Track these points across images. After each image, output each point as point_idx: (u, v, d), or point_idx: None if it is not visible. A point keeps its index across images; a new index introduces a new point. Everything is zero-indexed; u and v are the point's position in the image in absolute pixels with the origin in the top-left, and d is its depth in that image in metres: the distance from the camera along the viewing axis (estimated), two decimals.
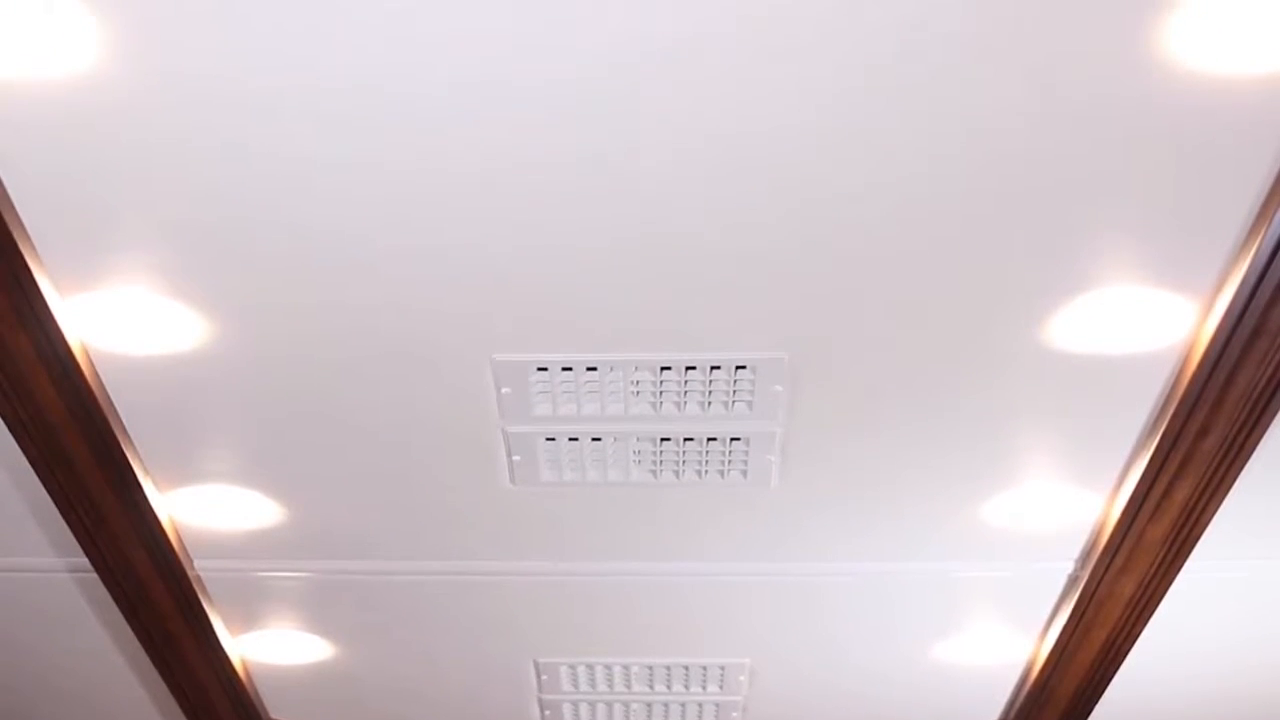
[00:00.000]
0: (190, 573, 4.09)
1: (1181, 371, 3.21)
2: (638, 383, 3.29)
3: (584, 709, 5.02)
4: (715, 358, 3.22)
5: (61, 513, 3.67)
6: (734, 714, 5.00)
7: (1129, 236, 2.83)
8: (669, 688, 4.87)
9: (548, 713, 5.03)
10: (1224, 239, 2.82)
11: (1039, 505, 3.74)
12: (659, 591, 4.26)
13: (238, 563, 4.10)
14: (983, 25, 2.36)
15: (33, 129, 2.57)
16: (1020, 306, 3.02)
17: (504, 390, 3.30)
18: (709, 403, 3.35)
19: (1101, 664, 4.37)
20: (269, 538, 3.95)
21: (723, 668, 4.74)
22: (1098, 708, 4.64)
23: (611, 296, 3.01)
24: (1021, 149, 2.61)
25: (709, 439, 3.50)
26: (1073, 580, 4.10)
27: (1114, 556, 3.85)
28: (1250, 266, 2.85)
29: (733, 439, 3.49)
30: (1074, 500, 3.72)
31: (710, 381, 3.28)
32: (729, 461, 3.57)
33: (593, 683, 4.84)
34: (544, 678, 4.80)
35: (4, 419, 3.30)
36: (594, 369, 3.25)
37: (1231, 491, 3.52)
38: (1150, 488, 3.55)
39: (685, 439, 3.50)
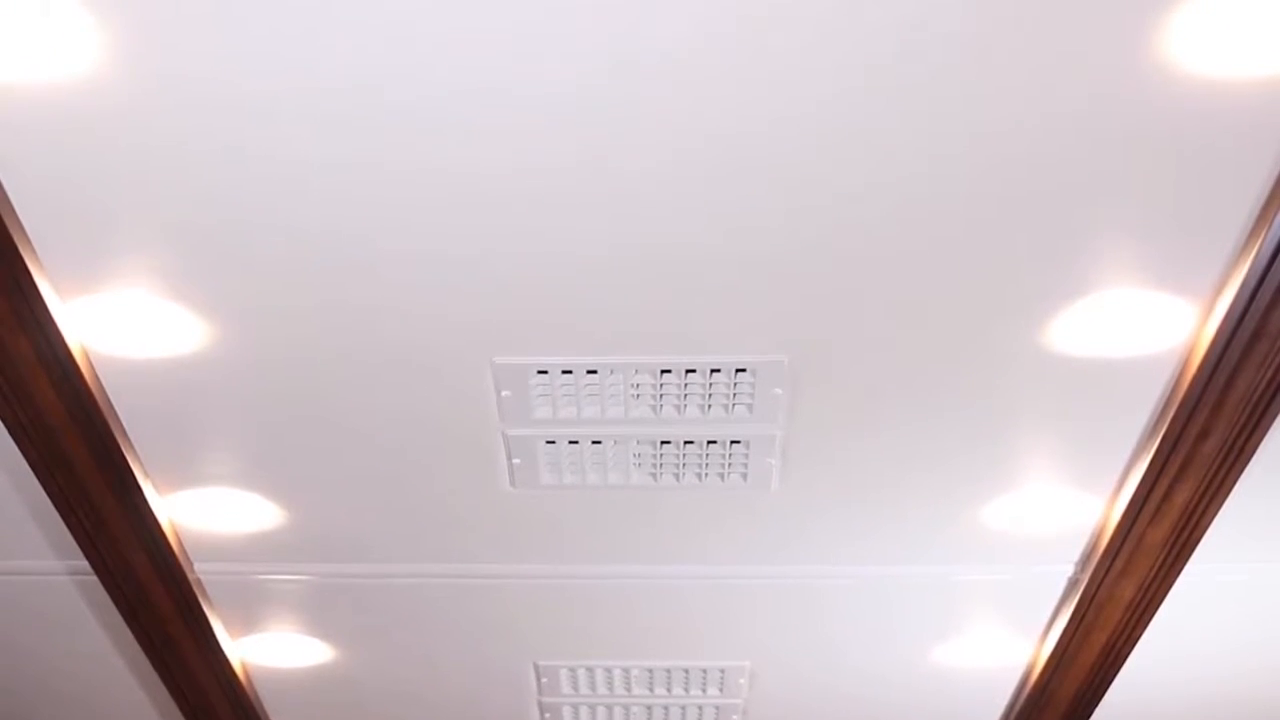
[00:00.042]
0: (190, 576, 4.09)
1: (1182, 374, 3.21)
2: (638, 386, 3.29)
3: (584, 711, 5.02)
4: (715, 360, 3.22)
5: (61, 515, 3.67)
6: (734, 717, 5.00)
7: (1129, 239, 2.83)
8: (669, 690, 4.87)
9: (548, 715, 5.03)
10: (1224, 241, 2.82)
11: (1039, 508, 3.74)
12: (659, 594, 4.25)
13: (238, 566, 4.10)
14: (983, 27, 2.36)
15: (33, 132, 2.57)
16: (1020, 309, 3.02)
17: (504, 393, 3.30)
18: (709, 406, 3.35)
19: (1101, 667, 4.37)
20: (269, 541, 3.95)
21: (723, 670, 4.74)
22: (1098, 711, 4.64)
23: (611, 299, 3.01)
24: (1022, 151, 2.61)
25: (709, 442, 3.50)
26: (1073, 583, 4.10)
27: (1114, 559, 3.85)
28: (1250, 269, 2.85)
29: (733, 442, 3.49)
30: (1074, 503, 3.72)
31: (710, 384, 3.28)
32: (729, 464, 3.57)
33: (593, 685, 4.84)
34: (544, 680, 4.80)
35: (4, 422, 3.30)
36: (594, 372, 3.25)
37: (1232, 494, 3.52)
38: (1150, 490, 3.55)
39: (685, 442, 3.50)
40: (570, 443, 3.50)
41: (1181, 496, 3.54)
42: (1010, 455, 3.53)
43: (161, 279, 2.95)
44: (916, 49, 2.40)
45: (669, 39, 2.39)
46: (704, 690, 4.85)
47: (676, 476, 3.61)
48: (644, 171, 2.67)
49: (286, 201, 2.74)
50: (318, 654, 4.64)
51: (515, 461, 3.56)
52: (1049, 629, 4.37)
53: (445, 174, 2.67)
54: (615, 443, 3.50)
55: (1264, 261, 2.82)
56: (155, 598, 4.10)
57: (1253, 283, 2.87)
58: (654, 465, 3.58)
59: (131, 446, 3.51)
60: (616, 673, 4.77)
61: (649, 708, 4.98)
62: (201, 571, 4.11)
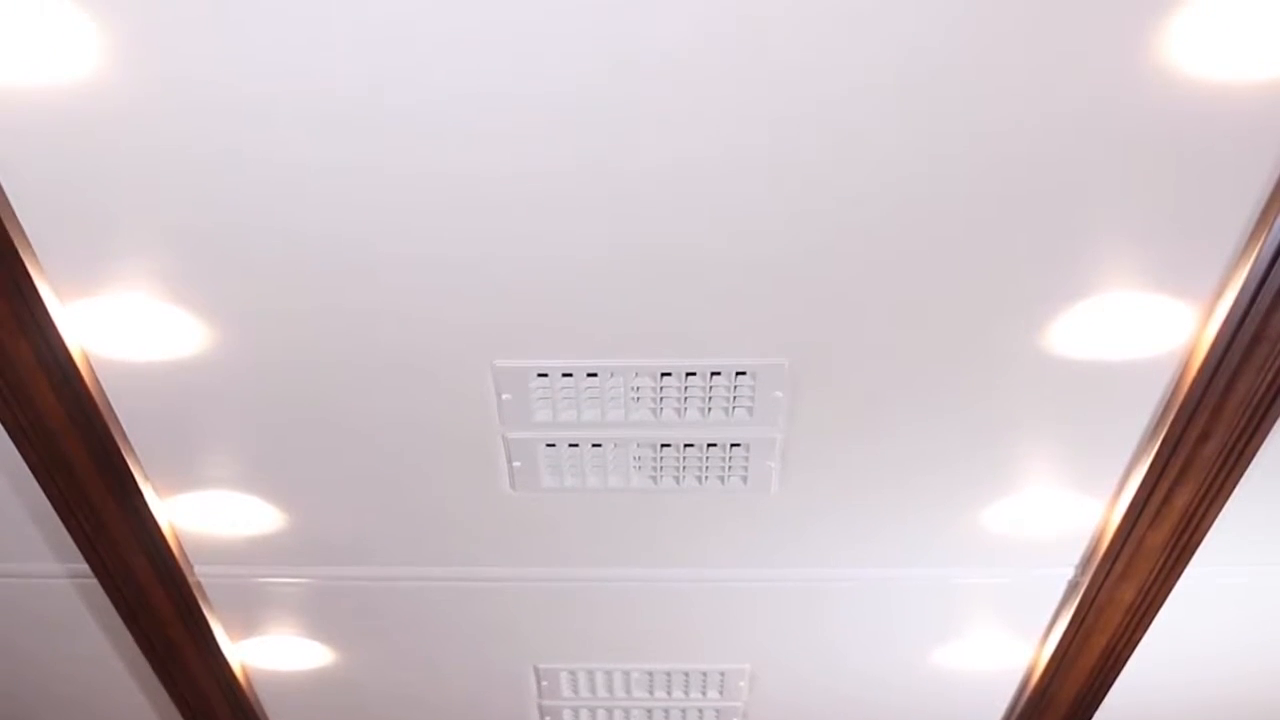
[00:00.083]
0: (190, 579, 4.09)
1: (1182, 377, 3.21)
2: (638, 389, 3.29)
3: (584, 714, 5.02)
4: (715, 363, 3.22)
5: (61, 519, 3.67)
6: (734, 719, 5.00)
7: (1129, 241, 2.83)
8: (669, 693, 4.87)
9: (548, 718, 5.03)
10: (1224, 244, 2.82)
11: (1039, 511, 3.74)
12: (659, 597, 4.25)
13: (238, 568, 4.10)
14: (984, 31, 2.36)
15: (33, 135, 2.57)
16: (1021, 312, 3.02)
17: (504, 396, 3.30)
18: (709, 409, 3.35)
19: (1102, 670, 4.37)
20: (269, 543, 3.95)
21: (723, 673, 4.74)
22: (1098, 713, 4.64)
23: (611, 302, 3.01)
24: (1022, 154, 2.61)
25: (709, 445, 3.50)
26: (1073, 586, 4.10)
27: (1114, 562, 3.85)
28: (1250, 272, 2.85)
29: (733, 445, 3.49)
30: (1074, 506, 3.72)
31: (710, 387, 3.28)
32: (729, 467, 3.57)
33: (593, 688, 4.84)
34: (544, 683, 4.80)
35: (4, 425, 3.30)
36: (594, 375, 3.25)
37: (1231, 498, 3.52)
38: (1150, 493, 3.55)
39: (685, 445, 3.50)
40: (570, 446, 3.50)
41: (1181, 499, 3.54)
42: (1010, 458, 3.53)
43: (161, 282, 2.95)
44: (917, 51, 2.40)
45: (669, 41, 2.39)
46: (704, 693, 4.85)
47: (676, 479, 3.61)
48: (644, 174, 2.67)
49: (286, 205, 2.74)
50: (318, 657, 4.64)
51: (515, 464, 3.56)
52: (1049, 632, 4.37)
53: (445, 177, 2.67)
54: (615, 446, 3.50)
55: (1264, 264, 2.82)
56: (155, 601, 4.10)
57: (1253, 286, 2.87)
58: (654, 468, 3.58)
59: (131, 449, 3.51)
60: (617, 675, 4.76)
61: (649, 710, 4.98)
62: (202, 574, 4.11)
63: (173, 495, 3.73)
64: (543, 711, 4.99)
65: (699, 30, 2.37)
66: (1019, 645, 4.49)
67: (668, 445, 3.50)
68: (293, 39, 2.38)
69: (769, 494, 3.67)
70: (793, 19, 2.34)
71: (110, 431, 3.39)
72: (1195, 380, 3.16)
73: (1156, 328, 3.05)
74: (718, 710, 4.95)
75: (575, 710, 4.99)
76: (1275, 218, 2.72)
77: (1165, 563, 3.81)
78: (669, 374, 3.25)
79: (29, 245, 2.84)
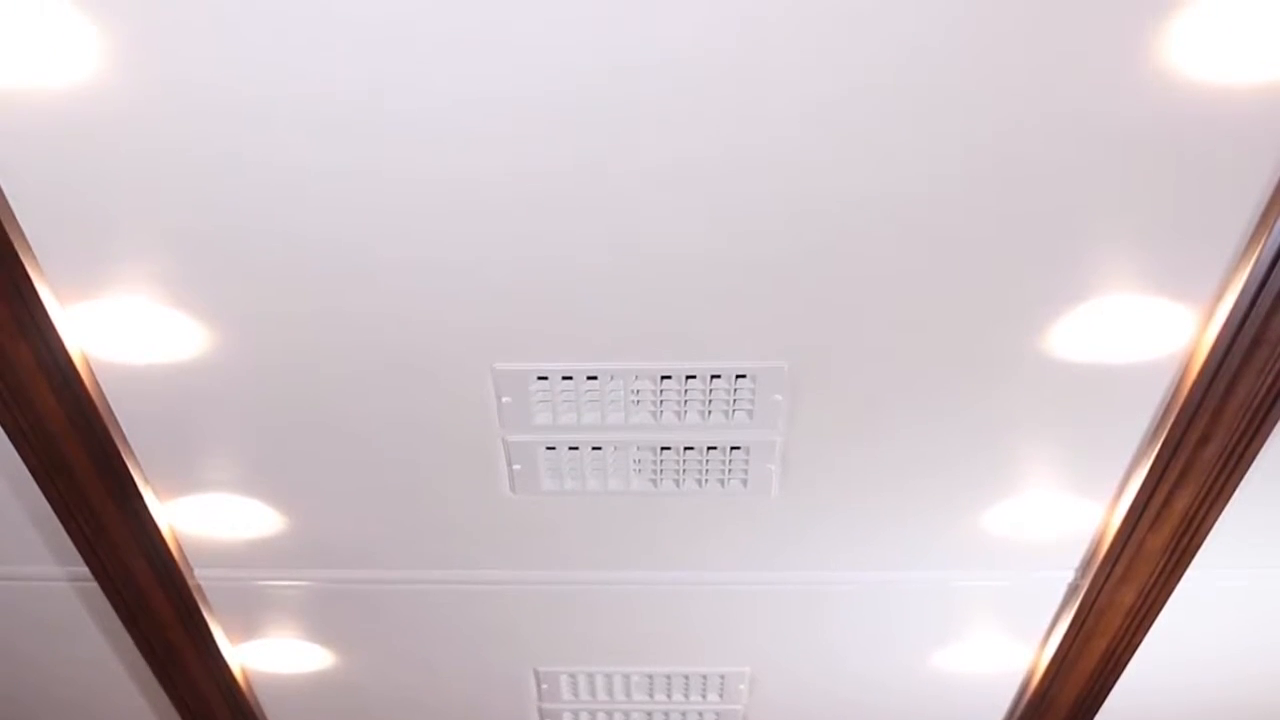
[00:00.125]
0: (190, 582, 4.09)
1: (1181, 380, 3.21)
2: (638, 392, 3.29)
3: (584, 717, 5.01)
4: (715, 367, 3.22)
5: (61, 521, 3.67)
6: None
7: (1130, 244, 2.83)
8: (669, 696, 4.87)
9: None
10: (1224, 247, 2.82)
11: (1039, 514, 3.74)
12: (659, 600, 4.25)
13: (238, 572, 4.10)
14: (983, 36, 2.36)
15: (33, 138, 2.57)
16: (1021, 315, 3.02)
17: (504, 399, 3.30)
18: (709, 412, 3.35)
19: (1102, 673, 4.37)
20: (269, 547, 3.95)
21: (723, 676, 4.74)
22: (1098, 716, 4.64)
23: (611, 305, 3.01)
24: (1022, 157, 2.61)
25: (709, 448, 3.50)
26: (1073, 589, 4.10)
27: (1114, 565, 3.85)
28: (1250, 275, 2.85)
29: (733, 448, 3.49)
30: (1074, 509, 3.72)
31: (710, 390, 3.28)
32: (729, 470, 3.57)
33: (593, 691, 4.84)
34: (544, 686, 4.80)
35: (4, 428, 3.30)
36: (594, 378, 3.25)
37: (1231, 501, 3.52)
38: (1150, 497, 3.55)
39: (685, 448, 3.50)
40: (570, 448, 3.50)
41: (1181, 502, 3.54)
42: (1010, 461, 3.53)
43: (162, 285, 2.95)
44: (916, 54, 2.40)
45: (668, 43, 2.39)
46: (704, 696, 4.85)
47: (676, 482, 3.61)
48: (643, 177, 2.67)
49: (286, 208, 2.74)
50: (318, 660, 4.64)
51: (515, 467, 3.56)
52: (1049, 635, 4.37)
53: (445, 180, 2.68)
54: (615, 448, 3.50)
55: (1264, 267, 2.82)
56: (155, 604, 4.09)
57: (1253, 289, 2.87)
58: (654, 471, 3.58)
59: (131, 452, 3.51)
60: (617, 678, 4.76)
61: (649, 713, 4.97)
62: (202, 577, 4.11)
63: (173, 498, 3.73)
64: (543, 714, 4.99)
65: (698, 33, 2.37)
66: (1019, 648, 4.49)
67: (668, 448, 3.50)
68: (293, 42, 2.38)
69: (769, 497, 3.67)
70: (792, 20, 2.34)
71: (110, 434, 3.39)
72: (1195, 383, 3.16)
73: (1157, 331, 3.05)
74: (718, 713, 4.95)
75: (575, 713, 4.98)
76: (1275, 220, 2.72)
77: (1165, 566, 3.81)
78: (669, 377, 3.25)
79: (29, 248, 2.84)
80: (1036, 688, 4.57)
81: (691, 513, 3.76)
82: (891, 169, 2.64)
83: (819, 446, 3.48)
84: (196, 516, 3.81)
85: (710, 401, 3.31)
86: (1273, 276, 2.83)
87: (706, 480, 3.60)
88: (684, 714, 4.97)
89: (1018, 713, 4.81)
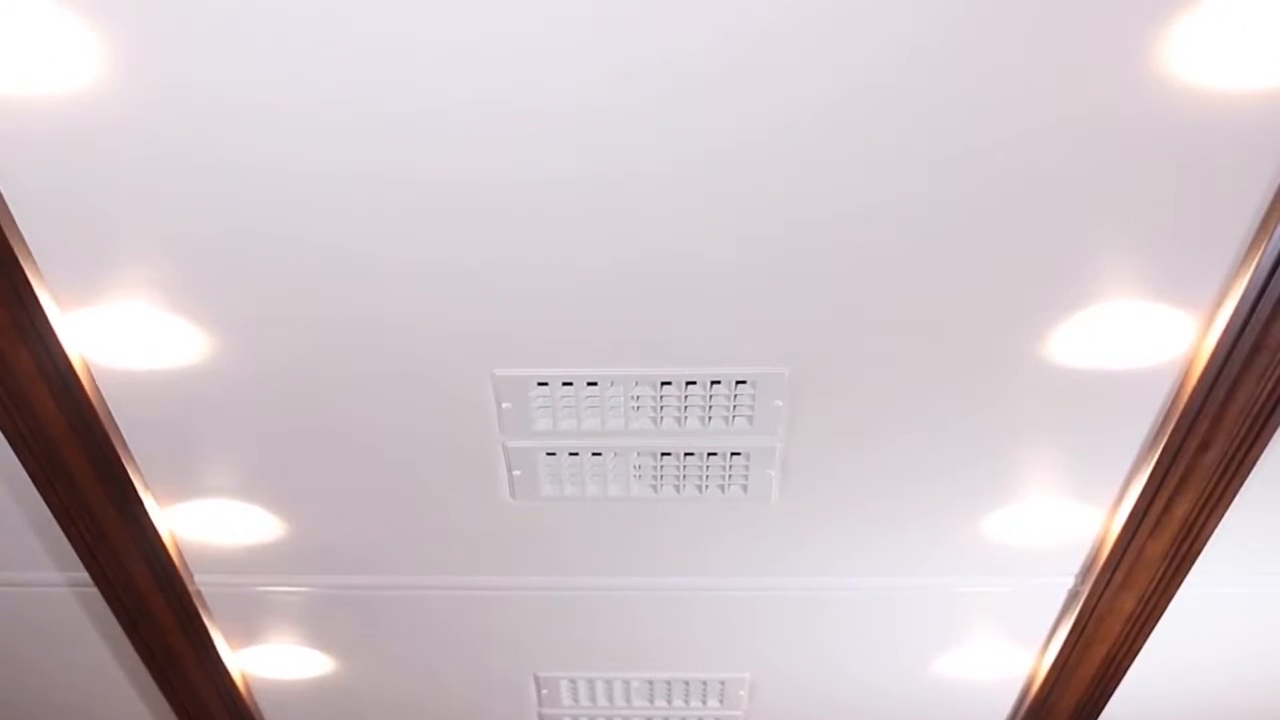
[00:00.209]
0: (190, 587, 4.09)
1: (1182, 386, 3.21)
2: (638, 398, 3.29)
3: None
4: (715, 372, 3.22)
5: (61, 527, 3.67)
6: None
7: (1130, 251, 2.83)
8: (669, 702, 4.87)
9: None
10: (1224, 254, 2.82)
11: (1039, 520, 3.74)
12: (659, 606, 4.25)
13: (238, 577, 4.10)
14: (983, 42, 2.36)
15: (33, 144, 2.58)
16: (1021, 321, 3.02)
17: (504, 405, 3.30)
18: (709, 418, 3.35)
19: (1102, 679, 4.37)
20: (269, 552, 3.95)
21: (723, 682, 4.74)
22: None
23: (611, 311, 3.01)
24: (1022, 164, 2.61)
25: (709, 454, 3.50)
26: (1073, 595, 4.10)
27: (1114, 572, 3.85)
28: (1250, 281, 2.85)
29: (733, 454, 3.49)
30: (1074, 515, 3.72)
31: (710, 396, 3.28)
32: (729, 476, 3.57)
33: (593, 697, 4.84)
34: (544, 692, 4.80)
35: (4, 433, 3.30)
36: (594, 384, 3.25)
37: (1231, 507, 3.52)
38: (1150, 503, 3.55)
39: (685, 454, 3.50)
40: (570, 454, 3.50)
41: (1181, 509, 3.54)
42: (1010, 467, 3.53)
43: (162, 291, 2.95)
44: (916, 61, 2.40)
45: (669, 51, 2.39)
46: (704, 702, 4.85)
47: (677, 488, 3.61)
48: (644, 186, 2.67)
49: (287, 213, 2.74)
50: (318, 665, 4.64)
51: (515, 473, 3.56)
52: (1049, 641, 4.36)
53: (445, 186, 2.68)
54: (615, 454, 3.50)
55: (1264, 274, 2.82)
56: (155, 609, 4.10)
57: (1253, 295, 2.87)
58: (654, 477, 3.58)
59: (132, 458, 3.51)
60: (617, 684, 4.76)
61: (649, 719, 4.97)
62: (202, 583, 4.11)
63: (173, 504, 3.73)
64: None
65: (699, 41, 2.37)
66: (1019, 654, 4.49)
67: (668, 454, 3.50)
68: (293, 48, 2.38)
69: (769, 503, 3.67)
70: (792, 24, 2.34)
71: (110, 440, 3.39)
72: (1195, 389, 3.16)
73: (1157, 337, 3.06)
74: (718, 719, 4.95)
75: (575, 718, 4.98)
76: (1275, 227, 2.72)
77: (1165, 572, 3.81)
78: (669, 383, 3.25)
79: (29, 254, 2.84)
80: (1037, 694, 4.57)
81: (691, 518, 3.76)
82: (892, 175, 2.64)
83: (819, 452, 3.48)
84: (197, 522, 3.81)
85: (710, 407, 3.31)
86: (1273, 283, 2.83)
87: (706, 486, 3.60)
88: None
89: (1018, 719, 4.81)
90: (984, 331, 3.05)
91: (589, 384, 3.25)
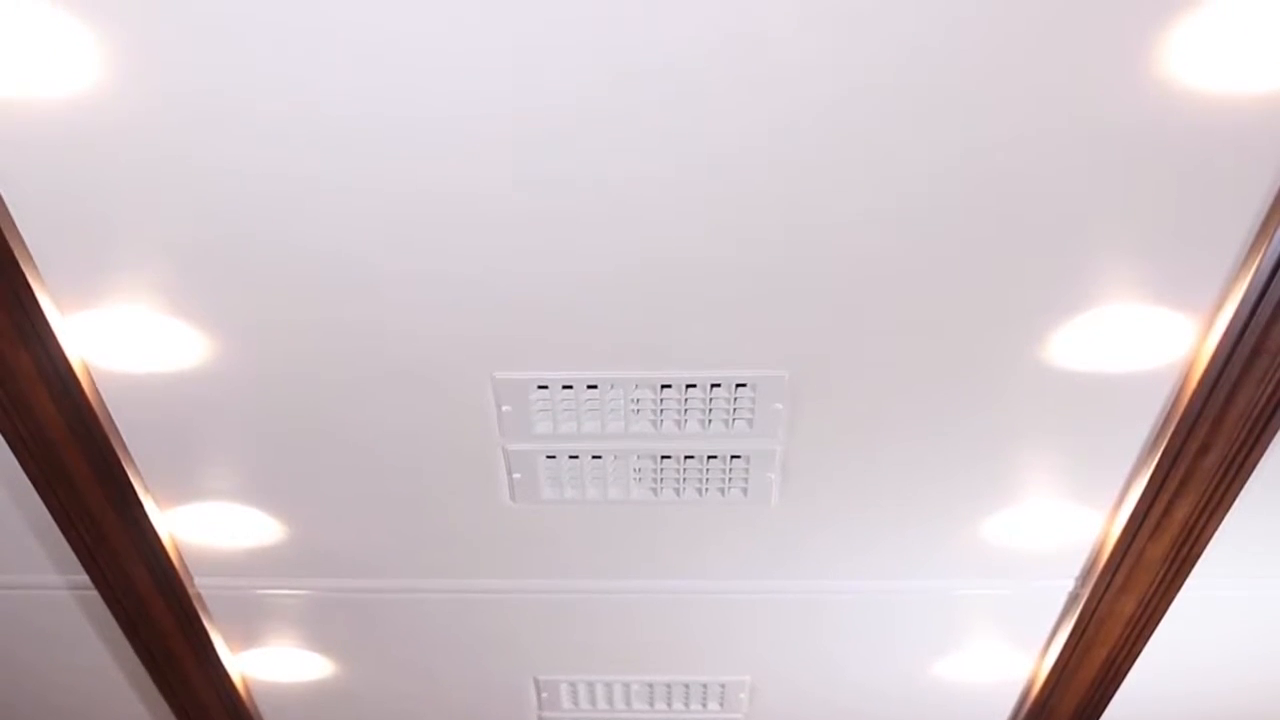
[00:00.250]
0: (191, 590, 4.09)
1: (1182, 389, 3.21)
2: (638, 401, 3.29)
3: None
4: (715, 376, 3.22)
5: (61, 530, 3.67)
6: None
7: (1130, 254, 2.83)
8: (669, 705, 4.86)
9: None
10: (1224, 257, 2.82)
11: (1039, 523, 3.74)
12: (659, 609, 4.25)
13: (238, 580, 4.10)
14: (983, 46, 2.36)
15: (34, 147, 2.57)
16: (1021, 324, 3.02)
17: (504, 408, 3.30)
18: (709, 421, 3.35)
19: (1102, 682, 4.37)
20: (269, 555, 3.95)
21: (723, 685, 4.74)
22: None
23: (611, 314, 3.01)
24: (1022, 166, 2.61)
25: (709, 457, 3.50)
26: (1073, 598, 4.10)
27: (1114, 574, 3.85)
28: (1250, 284, 2.85)
29: (733, 457, 3.49)
30: (1074, 518, 3.72)
31: (710, 399, 3.28)
32: (729, 479, 3.57)
33: (593, 700, 4.84)
34: (544, 695, 4.80)
35: (4, 436, 3.30)
36: (594, 387, 3.25)
37: (1231, 510, 3.52)
38: (1150, 506, 3.55)
39: (685, 457, 3.50)
40: (570, 457, 3.50)
41: (1181, 512, 3.54)
42: (1010, 470, 3.53)
43: (162, 294, 2.95)
44: (917, 63, 2.40)
45: (670, 60, 2.39)
46: (704, 705, 4.85)
47: (677, 491, 3.61)
48: (644, 190, 2.67)
49: (287, 217, 2.74)
50: (318, 668, 4.64)
51: (515, 476, 3.56)
52: (1049, 644, 4.36)
53: (445, 189, 2.68)
54: (615, 458, 3.50)
55: (1264, 277, 2.82)
56: (155, 612, 4.09)
57: (1253, 298, 2.87)
58: (654, 480, 3.58)
59: (132, 461, 3.51)
60: (617, 687, 4.76)
61: None
62: (202, 586, 4.11)
63: (173, 507, 3.73)
64: None
65: (699, 43, 2.37)
66: (1019, 657, 4.48)
67: (668, 457, 3.50)
68: (293, 52, 2.38)
69: (769, 506, 3.67)
70: (791, 25, 2.34)
71: (110, 443, 3.39)
72: (1195, 392, 3.16)
73: (1157, 340, 3.06)
74: None
75: None
76: (1275, 230, 2.72)
77: (1165, 575, 3.81)
78: (669, 386, 3.25)
79: (30, 257, 2.84)
80: (1036, 697, 4.57)
81: (691, 521, 3.76)
82: (892, 178, 2.64)
83: (819, 455, 3.48)
84: (197, 525, 3.81)
85: (710, 410, 3.32)
86: (1273, 286, 2.83)
87: (706, 489, 3.60)
88: None
89: None
90: (984, 334, 3.05)
91: (589, 387, 3.25)
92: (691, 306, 2.98)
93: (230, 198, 2.69)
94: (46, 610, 4.37)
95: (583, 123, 2.52)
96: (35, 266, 2.86)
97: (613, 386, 3.25)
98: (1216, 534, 3.62)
